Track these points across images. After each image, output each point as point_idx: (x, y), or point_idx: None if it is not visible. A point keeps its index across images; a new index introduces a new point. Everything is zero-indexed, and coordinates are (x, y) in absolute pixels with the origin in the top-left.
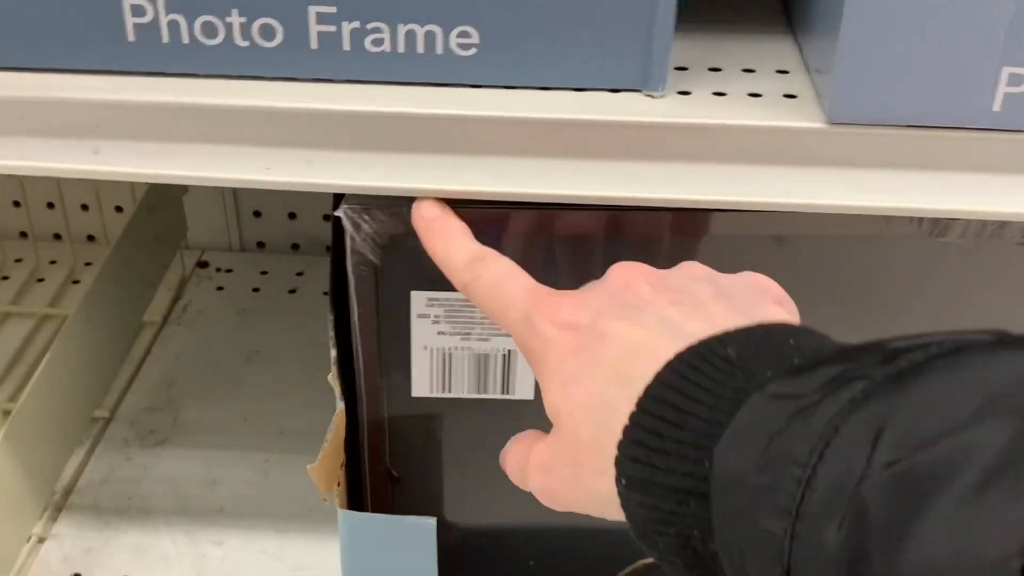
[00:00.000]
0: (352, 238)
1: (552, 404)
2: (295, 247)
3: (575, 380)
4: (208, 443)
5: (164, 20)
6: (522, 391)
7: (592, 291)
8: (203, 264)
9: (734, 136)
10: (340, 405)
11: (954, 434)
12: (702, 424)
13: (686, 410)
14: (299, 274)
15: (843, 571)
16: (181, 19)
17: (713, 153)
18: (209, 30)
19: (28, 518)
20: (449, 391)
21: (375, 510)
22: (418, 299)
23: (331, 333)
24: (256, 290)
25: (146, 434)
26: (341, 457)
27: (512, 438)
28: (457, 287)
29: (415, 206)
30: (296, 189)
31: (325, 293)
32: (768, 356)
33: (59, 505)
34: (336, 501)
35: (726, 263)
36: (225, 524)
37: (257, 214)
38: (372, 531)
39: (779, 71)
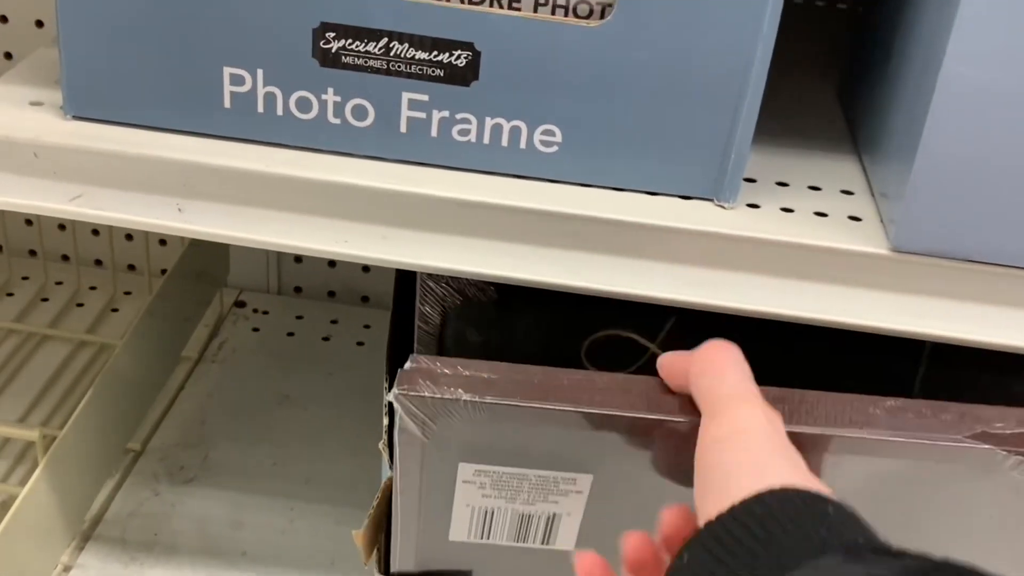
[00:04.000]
0: (402, 417)
1: None
2: (331, 294)
3: None
4: (236, 485)
5: (261, 91)
6: (563, 543)
7: None
8: (240, 304)
9: (801, 254)
10: (388, 473)
11: None
12: (783, 552)
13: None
14: (333, 322)
15: None
16: (278, 92)
17: (778, 267)
18: (303, 105)
19: (58, 546)
20: (488, 539)
21: None
22: (465, 469)
23: (387, 398)
24: (291, 334)
25: (176, 470)
26: (384, 524)
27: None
28: None
29: None
30: (371, 263)
31: (359, 344)
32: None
33: (86, 535)
34: (375, 567)
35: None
36: (247, 568)
37: (298, 259)
38: None
39: (844, 191)
